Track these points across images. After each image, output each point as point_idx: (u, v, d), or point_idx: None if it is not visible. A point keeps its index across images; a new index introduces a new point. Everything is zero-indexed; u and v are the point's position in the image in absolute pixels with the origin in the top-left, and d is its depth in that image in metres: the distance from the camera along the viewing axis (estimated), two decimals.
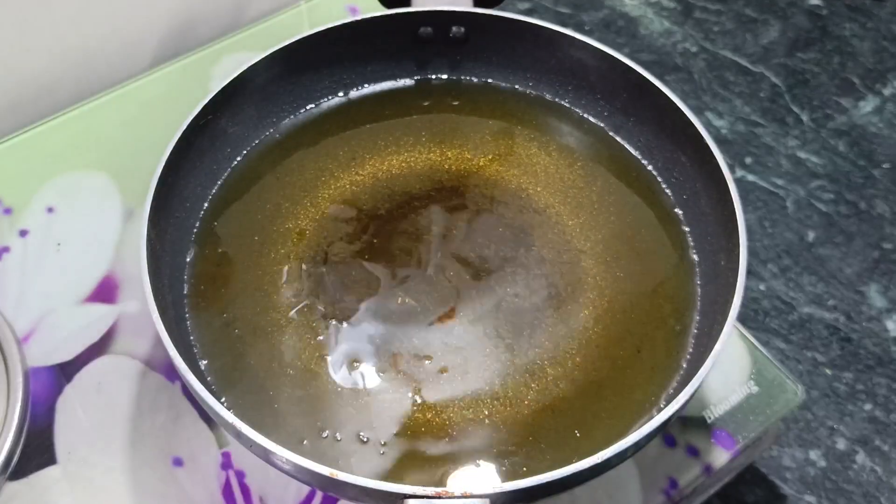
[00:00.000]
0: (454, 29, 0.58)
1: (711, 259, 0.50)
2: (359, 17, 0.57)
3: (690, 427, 0.50)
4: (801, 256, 0.68)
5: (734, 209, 0.47)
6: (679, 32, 0.85)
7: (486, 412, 0.46)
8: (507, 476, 0.38)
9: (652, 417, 0.40)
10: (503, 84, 0.60)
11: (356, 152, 0.57)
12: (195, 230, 0.53)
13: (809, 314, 0.66)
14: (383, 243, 0.53)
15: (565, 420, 0.46)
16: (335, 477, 0.38)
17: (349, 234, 0.53)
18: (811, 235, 0.70)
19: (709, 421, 0.51)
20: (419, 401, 0.47)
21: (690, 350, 0.49)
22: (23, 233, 0.57)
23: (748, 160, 0.74)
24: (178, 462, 0.49)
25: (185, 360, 0.42)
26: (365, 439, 0.45)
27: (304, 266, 0.52)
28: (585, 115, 0.59)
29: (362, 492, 0.39)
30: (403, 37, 0.58)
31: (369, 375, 0.48)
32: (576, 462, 0.38)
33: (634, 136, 0.57)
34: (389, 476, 0.44)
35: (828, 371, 0.63)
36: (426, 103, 0.60)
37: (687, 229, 0.53)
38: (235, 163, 0.56)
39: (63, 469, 0.49)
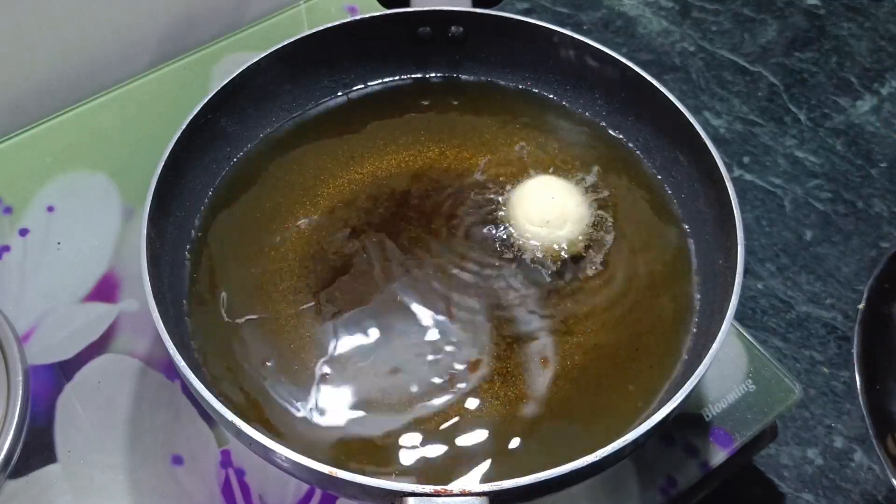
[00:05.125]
0: (453, 29, 0.58)
1: (709, 258, 0.51)
2: (358, 17, 0.58)
3: (688, 425, 0.50)
4: (798, 255, 0.69)
5: (732, 208, 0.47)
6: (677, 32, 0.85)
7: (485, 410, 0.46)
8: (506, 474, 0.39)
9: (650, 416, 0.40)
10: (502, 83, 0.61)
11: (355, 151, 0.57)
12: (195, 229, 0.53)
13: (807, 313, 0.66)
14: (382, 242, 0.53)
15: (564, 418, 0.47)
16: (334, 475, 0.38)
17: (348, 233, 0.53)
18: (809, 234, 0.70)
19: (707, 419, 0.51)
20: (418, 398, 0.47)
21: (688, 348, 0.49)
22: (23, 232, 0.57)
23: (746, 159, 0.74)
24: (177, 460, 0.49)
25: (184, 358, 0.42)
26: (366, 436, 0.46)
27: (303, 264, 0.52)
28: (584, 114, 0.59)
29: (361, 490, 0.39)
30: (402, 36, 0.58)
31: (368, 373, 0.48)
32: (574, 460, 0.39)
33: (633, 135, 0.57)
34: (388, 472, 0.44)
35: (825, 369, 0.63)
36: (425, 103, 0.60)
37: (685, 228, 0.53)
38: (235, 162, 0.56)
39: (63, 467, 0.49)
